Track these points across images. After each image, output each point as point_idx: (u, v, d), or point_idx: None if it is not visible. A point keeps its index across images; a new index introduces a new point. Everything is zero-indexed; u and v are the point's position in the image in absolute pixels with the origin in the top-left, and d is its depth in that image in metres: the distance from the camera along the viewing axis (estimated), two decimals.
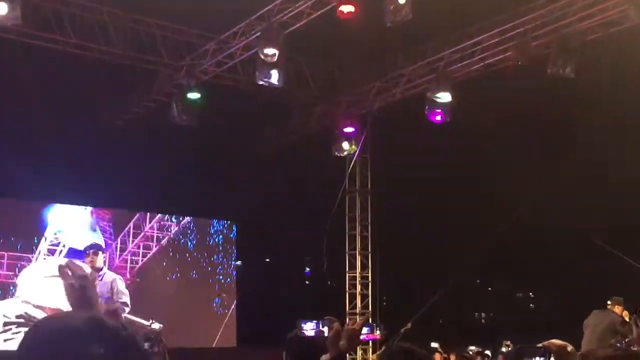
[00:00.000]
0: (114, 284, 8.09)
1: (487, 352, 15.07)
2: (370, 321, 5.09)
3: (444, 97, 12.00)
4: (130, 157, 13.36)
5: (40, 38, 11.01)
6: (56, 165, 12.73)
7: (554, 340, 3.92)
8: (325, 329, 4.00)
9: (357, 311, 14.46)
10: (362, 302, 14.63)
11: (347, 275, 14.83)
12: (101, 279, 7.90)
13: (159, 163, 13.50)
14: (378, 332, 4.44)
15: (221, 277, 15.90)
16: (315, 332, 3.99)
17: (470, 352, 14.45)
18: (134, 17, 11.72)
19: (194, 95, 12.11)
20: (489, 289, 26.32)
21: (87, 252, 8.18)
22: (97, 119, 13.67)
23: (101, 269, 8.12)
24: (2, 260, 13.34)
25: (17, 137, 12.20)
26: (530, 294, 27.12)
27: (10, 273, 12.99)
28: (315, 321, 4.06)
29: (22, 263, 12.96)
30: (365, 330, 4.23)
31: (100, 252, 8.24)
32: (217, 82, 12.57)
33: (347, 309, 14.55)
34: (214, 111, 12.53)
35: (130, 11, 11.58)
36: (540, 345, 3.97)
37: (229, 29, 11.58)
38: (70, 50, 11.29)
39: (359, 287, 14.68)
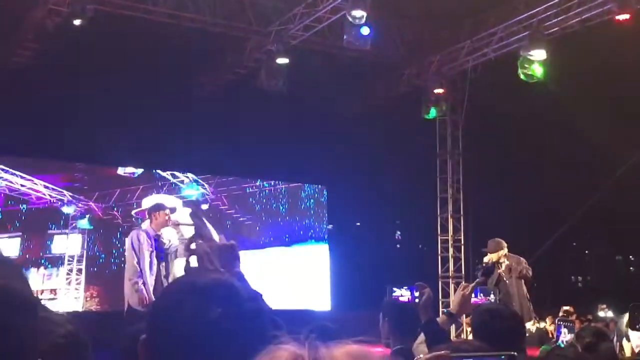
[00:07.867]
0: None
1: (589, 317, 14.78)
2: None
3: (538, 55, 11.64)
4: (220, 124, 13.52)
5: (132, 9, 11.24)
6: (152, 132, 12.99)
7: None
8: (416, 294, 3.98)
9: (450, 274, 14.34)
10: (454, 265, 14.49)
11: (439, 238, 14.69)
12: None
13: (249, 129, 13.63)
14: (493, 297, 4.35)
15: (313, 241, 16.05)
16: (409, 299, 3.97)
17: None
18: None
19: (282, 61, 12.15)
20: (586, 252, 25.60)
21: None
22: (189, 88, 13.89)
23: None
24: None
25: (111, 106, 12.40)
26: (631, 257, 26.23)
27: None
28: (407, 287, 4.03)
29: None
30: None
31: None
32: (306, 47, 12.54)
33: (439, 272, 14.44)
34: (303, 76, 12.52)
35: None
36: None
37: None
38: (162, 20, 11.49)
39: (451, 251, 14.53)
